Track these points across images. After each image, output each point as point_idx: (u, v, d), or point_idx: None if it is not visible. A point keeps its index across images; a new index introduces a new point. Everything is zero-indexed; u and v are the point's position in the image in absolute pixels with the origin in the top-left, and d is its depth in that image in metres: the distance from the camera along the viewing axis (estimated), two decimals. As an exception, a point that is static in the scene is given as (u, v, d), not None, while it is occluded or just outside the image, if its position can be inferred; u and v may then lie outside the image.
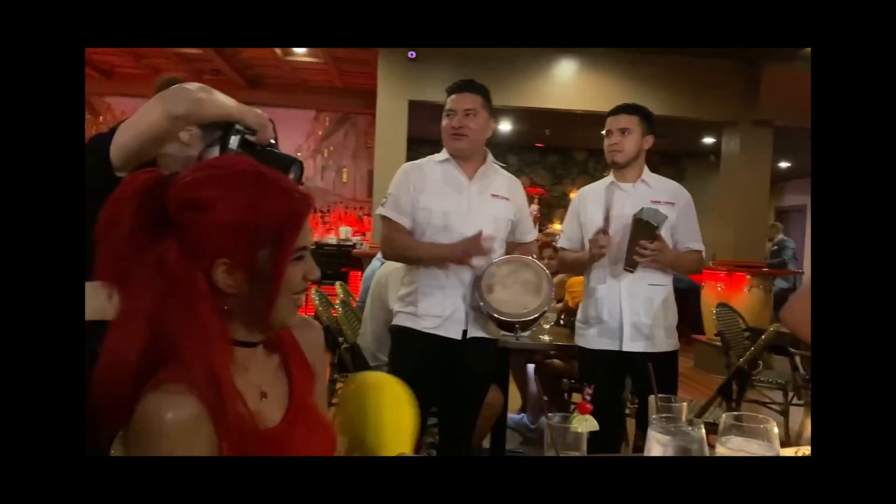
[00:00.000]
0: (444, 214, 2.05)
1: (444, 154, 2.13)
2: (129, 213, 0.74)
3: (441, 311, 2.05)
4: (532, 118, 7.43)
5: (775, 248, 7.62)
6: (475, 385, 2.17)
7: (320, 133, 8.54)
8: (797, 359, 3.28)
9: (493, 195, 2.11)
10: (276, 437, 0.80)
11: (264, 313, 0.81)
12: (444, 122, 2.10)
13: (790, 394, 3.66)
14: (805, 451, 1.05)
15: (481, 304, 2.00)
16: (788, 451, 1.04)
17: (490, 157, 2.16)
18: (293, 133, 8.16)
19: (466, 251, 1.99)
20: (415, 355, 2.07)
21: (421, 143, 7.88)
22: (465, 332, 2.07)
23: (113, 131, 1.14)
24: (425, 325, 2.06)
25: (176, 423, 0.71)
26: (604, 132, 2.28)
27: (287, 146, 1.28)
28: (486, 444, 2.93)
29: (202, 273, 0.76)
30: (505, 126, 8.11)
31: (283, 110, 7.40)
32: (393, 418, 0.94)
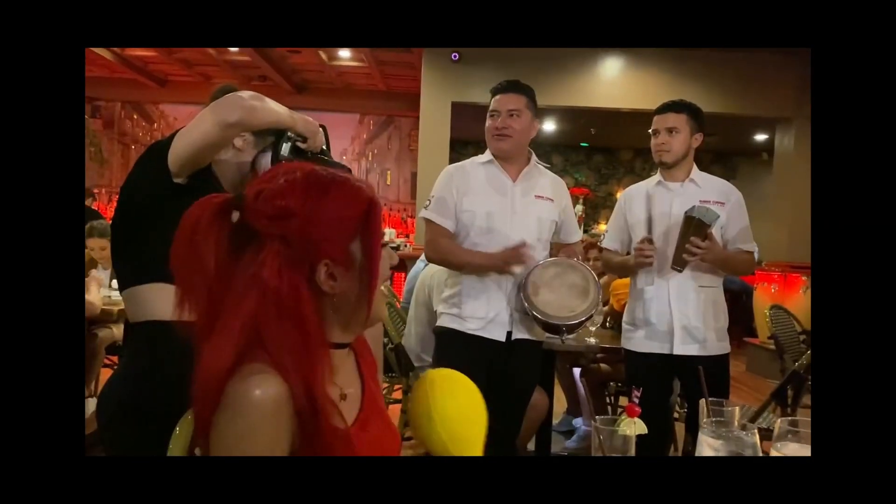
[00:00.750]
0: (488, 216, 2.05)
1: (487, 155, 2.13)
2: (211, 246, 0.75)
3: (485, 312, 2.05)
4: (577, 117, 7.36)
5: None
6: (520, 387, 2.16)
7: (365, 136, 8.65)
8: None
9: (538, 196, 2.10)
10: (349, 438, 0.80)
11: (365, 307, 0.82)
12: (488, 122, 2.10)
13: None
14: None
15: (526, 305, 1.99)
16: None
17: (534, 157, 2.15)
18: (338, 137, 8.29)
19: (507, 261, 1.99)
20: (459, 357, 2.07)
21: (464, 144, 7.89)
22: (509, 333, 2.06)
23: (170, 139, 1.18)
24: (469, 326, 2.07)
25: (264, 400, 0.72)
26: (650, 131, 2.24)
27: (332, 150, 1.30)
28: (531, 446, 2.91)
29: (304, 279, 0.77)
30: (549, 126, 8.05)
31: (329, 114, 7.53)
32: (464, 414, 0.92)
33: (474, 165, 2.14)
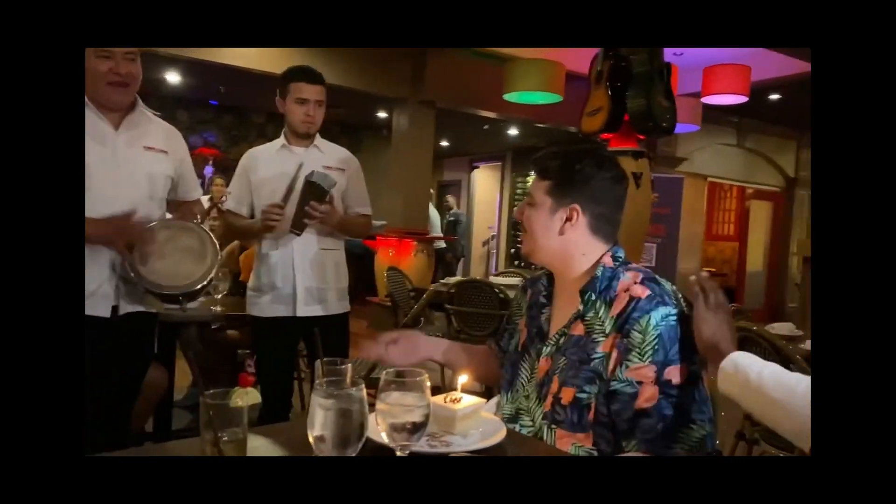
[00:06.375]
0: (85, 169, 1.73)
1: None
2: None
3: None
4: (205, 72, 6.86)
5: (451, 219, 8.69)
6: (130, 366, 1.92)
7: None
8: (452, 315, 3.72)
9: (147, 147, 1.84)
10: None
11: None
12: (99, 65, 1.73)
13: (446, 345, 4.14)
14: (452, 395, 1.15)
15: (133, 276, 1.75)
16: (438, 398, 1.12)
17: (140, 102, 1.85)
18: None
19: (121, 236, 1.72)
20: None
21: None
22: (115, 308, 1.80)
23: None
24: (62, 301, 1.73)
25: None
26: (293, 99, 2.19)
27: None
28: (148, 427, 2.66)
29: None
30: (173, 77, 7.35)
31: None
32: None
33: None
